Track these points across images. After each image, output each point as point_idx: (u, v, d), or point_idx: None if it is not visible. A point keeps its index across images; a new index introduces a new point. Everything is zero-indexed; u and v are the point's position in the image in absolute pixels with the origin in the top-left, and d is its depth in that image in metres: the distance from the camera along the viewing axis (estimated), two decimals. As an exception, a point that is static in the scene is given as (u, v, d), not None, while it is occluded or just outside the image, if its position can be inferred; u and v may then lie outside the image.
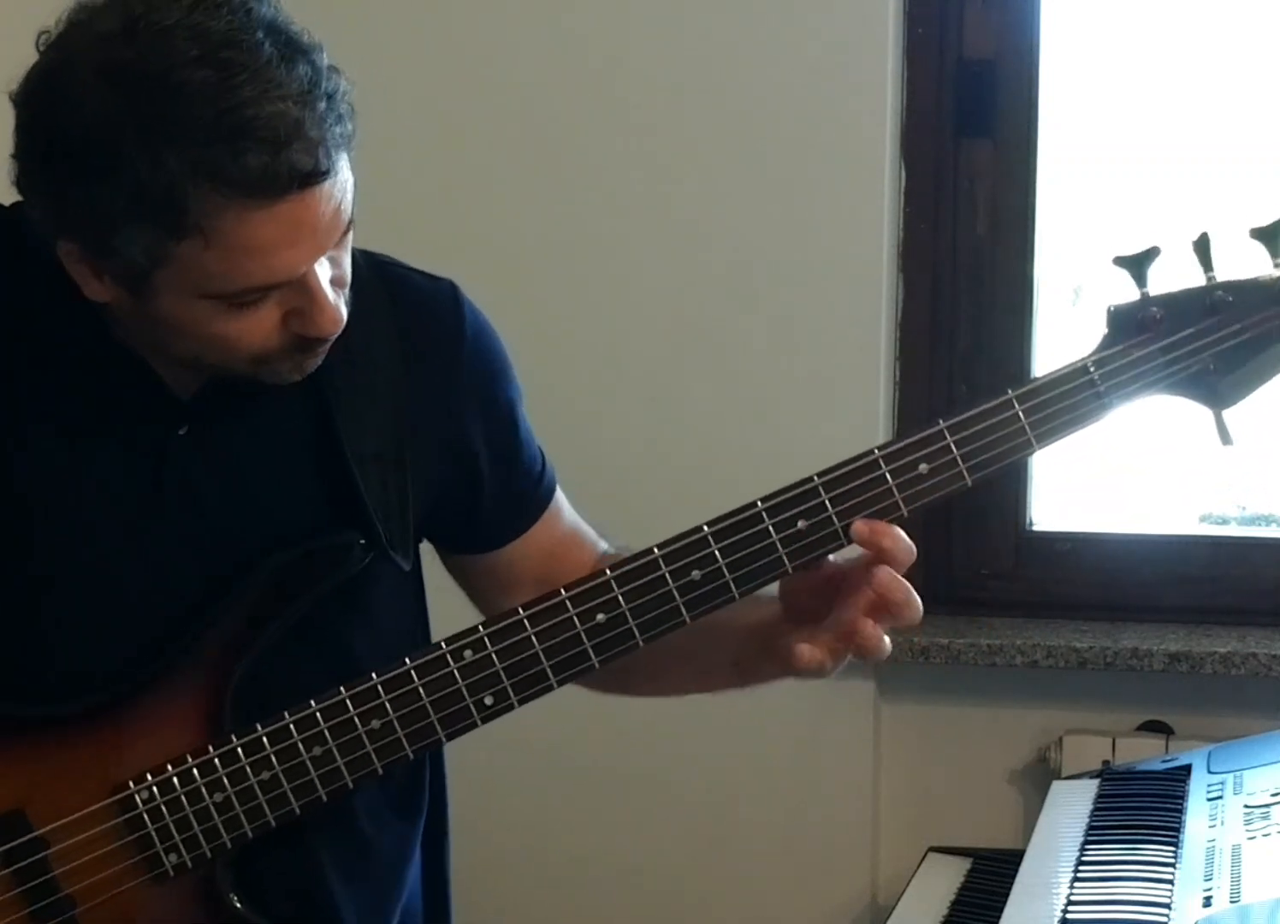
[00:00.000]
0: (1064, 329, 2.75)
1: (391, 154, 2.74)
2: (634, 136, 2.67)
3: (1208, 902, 1.71)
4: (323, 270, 1.39)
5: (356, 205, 1.39)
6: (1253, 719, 2.44)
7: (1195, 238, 1.45)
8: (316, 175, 1.33)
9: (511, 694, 1.45)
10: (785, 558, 1.44)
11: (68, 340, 1.48)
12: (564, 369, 2.70)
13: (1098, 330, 1.46)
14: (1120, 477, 2.78)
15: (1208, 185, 2.66)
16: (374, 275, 1.57)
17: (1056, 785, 2.37)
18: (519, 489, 1.65)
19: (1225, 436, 1.46)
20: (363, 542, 1.49)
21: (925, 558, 2.68)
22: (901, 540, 1.45)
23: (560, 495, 1.69)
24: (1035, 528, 2.72)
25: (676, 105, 2.66)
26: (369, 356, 1.54)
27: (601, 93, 2.67)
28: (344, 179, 1.36)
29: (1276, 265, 1.44)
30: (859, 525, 1.44)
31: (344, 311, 1.41)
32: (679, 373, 2.68)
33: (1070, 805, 2.20)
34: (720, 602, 1.45)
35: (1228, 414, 1.46)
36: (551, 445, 2.69)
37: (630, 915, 2.75)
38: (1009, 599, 2.71)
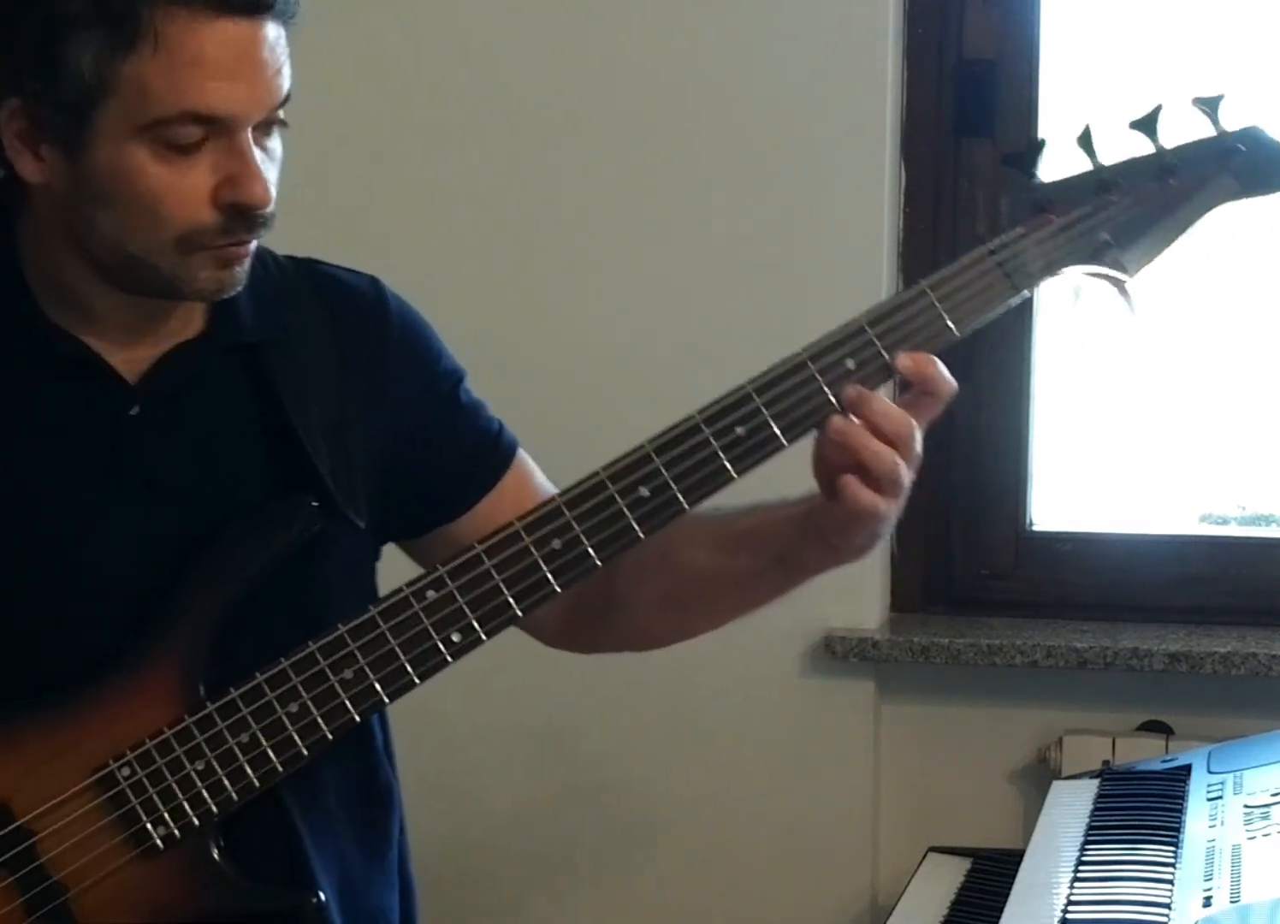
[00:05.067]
0: (1064, 329, 2.75)
1: (391, 154, 2.74)
2: (634, 136, 2.67)
3: (1208, 902, 1.71)
4: (254, 146, 1.44)
5: (292, 95, 1.46)
6: (1253, 719, 2.44)
7: (1079, 133, 1.53)
8: (263, 5, 1.41)
9: (478, 628, 1.48)
10: (729, 464, 1.48)
11: (10, 337, 1.53)
12: (564, 368, 2.70)
13: (998, 218, 1.55)
14: (1120, 477, 2.78)
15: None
16: (299, 273, 1.64)
17: (1056, 785, 2.37)
18: (472, 451, 1.68)
19: (1131, 307, 1.54)
20: (315, 503, 1.52)
21: (925, 558, 2.72)
22: (931, 366, 1.51)
23: (528, 461, 1.73)
24: (1035, 528, 2.73)
25: (676, 105, 2.66)
26: (304, 344, 1.59)
27: (601, 92, 2.67)
28: (284, 44, 1.44)
29: (1155, 144, 1.53)
30: (848, 392, 1.49)
31: (273, 191, 1.46)
32: (679, 372, 2.67)
33: (1070, 805, 2.20)
34: (671, 514, 1.48)
35: (1131, 285, 1.53)
36: (551, 444, 2.70)
37: (630, 916, 2.75)
38: (1009, 599, 2.71)
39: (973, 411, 2.68)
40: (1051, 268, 1.51)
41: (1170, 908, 1.75)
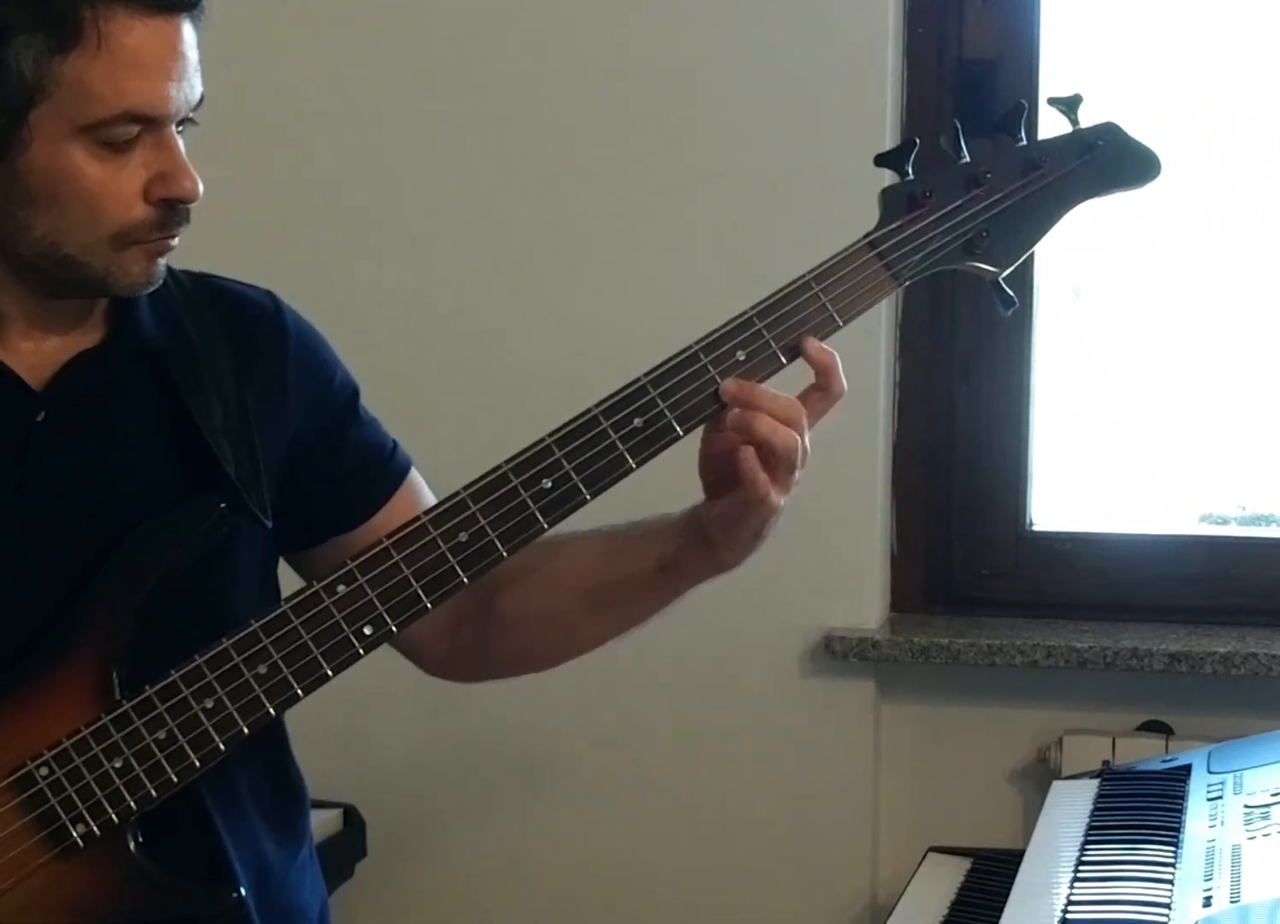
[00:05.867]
0: (1064, 329, 2.75)
1: (392, 152, 2.74)
2: (634, 136, 2.67)
3: (1208, 902, 1.71)
4: (178, 143, 1.49)
5: (203, 103, 1.50)
6: (1253, 719, 2.44)
7: (944, 133, 1.59)
8: (189, 3, 1.46)
9: (388, 620, 1.50)
10: (627, 454, 1.52)
11: None
12: (563, 368, 2.70)
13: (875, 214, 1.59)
14: (1120, 477, 2.78)
15: (1208, 185, 2.66)
16: (197, 287, 1.66)
17: (1056, 785, 2.37)
18: (367, 464, 1.70)
19: (1006, 302, 1.58)
20: (223, 505, 1.54)
21: (925, 558, 2.72)
22: (833, 359, 1.55)
23: (420, 482, 1.74)
24: (1035, 528, 2.73)
25: (676, 105, 2.66)
26: (205, 352, 1.61)
27: (601, 92, 2.67)
28: (196, 46, 1.49)
29: (1019, 141, 1.59)
30: (728, 384, 1.53)
31: (200, 184, 1.49)
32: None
33: (1070, 805, 2.21)
34: (574, 505, 1.51)
35: (1005, 279, 1.57)
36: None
37: (630, 916, 2.75)
38: (1009, 599, 2.71)
39: (973, 412, 2.68)
40: (929, 259, 1.56)
41: (1170, 908, 1.75)
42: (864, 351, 2.63)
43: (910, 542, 2.71)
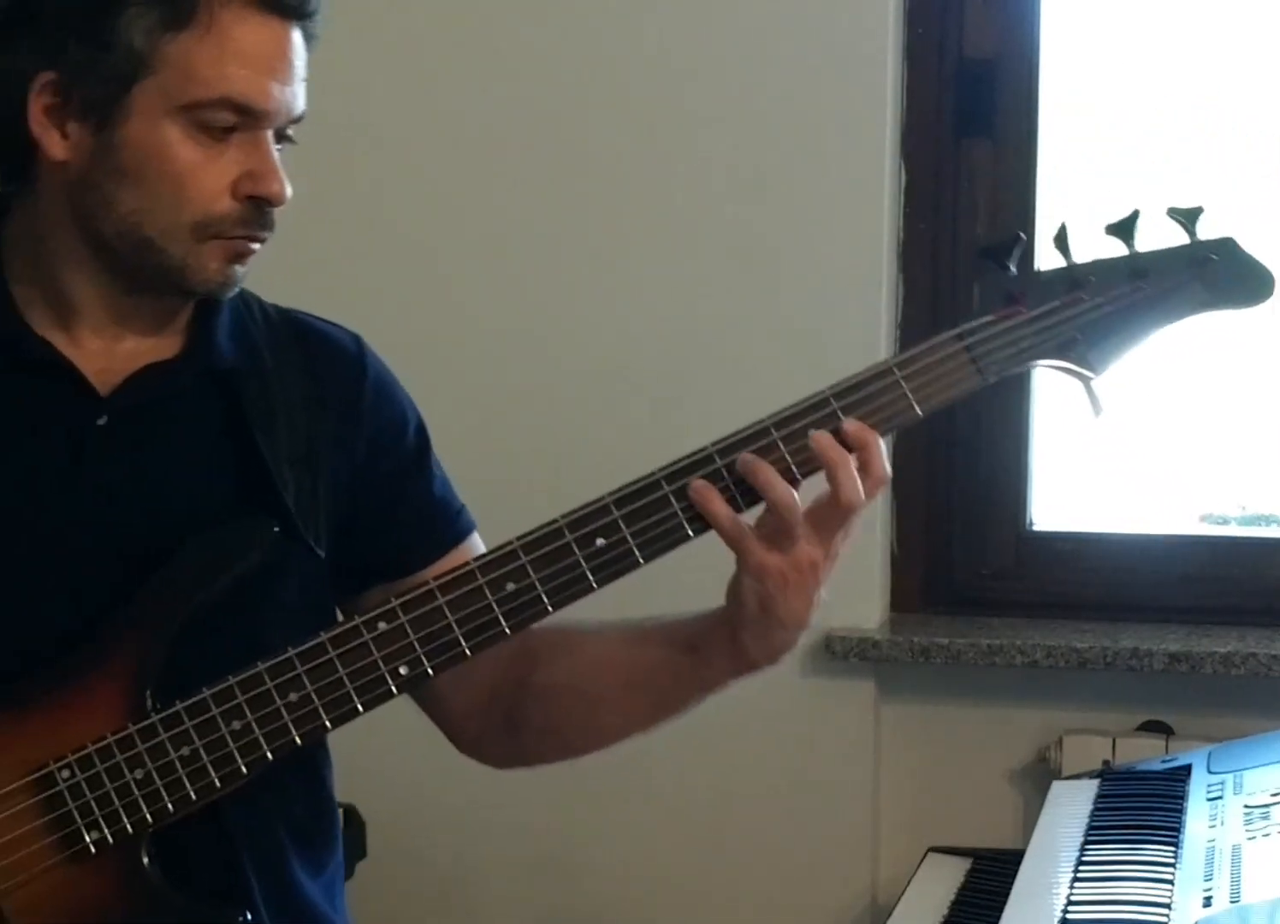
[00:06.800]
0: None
1: (394, 152, 2.74)
2: (634, 136, 2.67)
3: (1208, 902, 1.71)
4: (273, 147, 1.50)
5: (303, 120, 1.53)
6: (1253, 719, 2.44)
7: (1055, 232, 1.56)
8: (305, 10, 1.49)
9: (425, 662, 1.49)
10: (686, 523, 1.48)
11: None
12: (563, 369, 2.70)
13: (969, 304, 1.56)
14: (1120, 477, 2.78)
15: (1208, 184, 2.66)
16: (284, 320, 1.66)
17: (1056, 785, 2.37)
18: (430, 516, 1.68)
19: (1096, 406, 1.55)
20: (277, 528, 1.53)
21: (925, 558, 2.72)
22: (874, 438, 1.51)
23: (479, 545, 1.70)
24: (1035, 528, 2.73)
25: (676, 105, 2.66)
26: (280, 381, 1.60)
27: (601, 92, 2.67)
28: (305, 64, 1.51)
29: (1129, 247, 1.55)
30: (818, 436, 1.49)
31: (289, 189, 1.50)
32: (679, 372, 2.68)
33: (1070, 805, 2.21)
34: (626, 566, 1.49)
35: (1097, 384, 1.55)
36: (550, 446, 2.71)
37: (630, 916, 2.75)
38: (1009, 599, 2.71)
39: (972, 412, 2.68)
40: (1019, 358, 1.53)
41: (1170, 908, 1.75)
42: (864, 351, 2.63)
43: (910, 542, 2.71)
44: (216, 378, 1.58)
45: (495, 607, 1.48)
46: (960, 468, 2.71)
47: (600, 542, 1.48)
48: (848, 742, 2.67)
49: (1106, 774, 2.35)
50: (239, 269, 1.53)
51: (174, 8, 1.45)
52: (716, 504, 1.47)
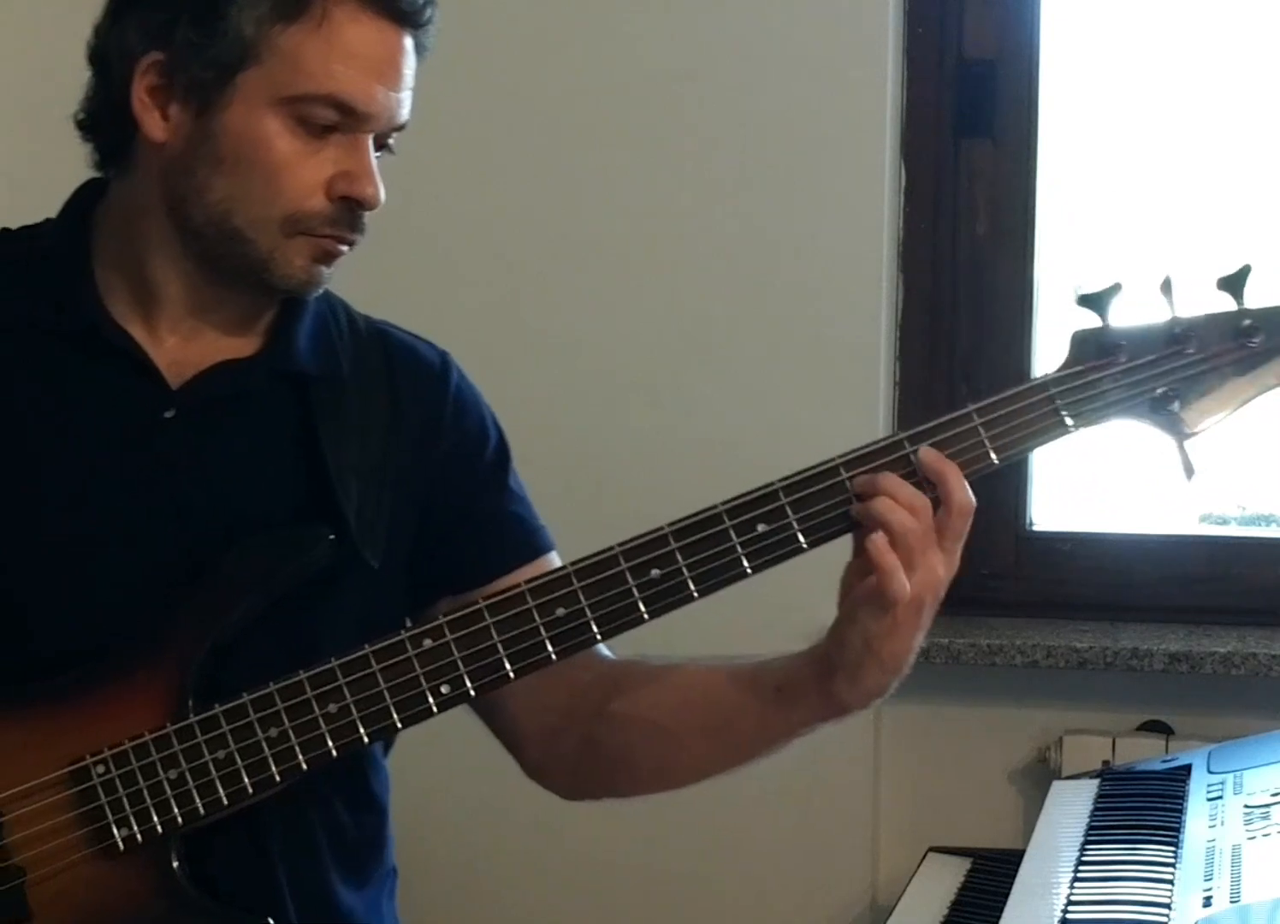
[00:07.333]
0: (1064, 329, 2.75)
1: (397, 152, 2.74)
2: (634, 136, 2.67)
3: (1208, 902, 1.71)
4: (372, 152, 1.50)
5: (405, 130, 1.53)
6: (1253, 719, 2.44)
7: (1160, 281, 1.48)
8: (419, 20, 1.49)
9: (468, 682, 1.47)
10: (745, 559, 1.46)
11: (62, 319, 1.53)
12: (563, 370, 2.70)
13: (1061, 353, 1.49)
14: (1120, 477, 2.78)
15: (1208, 185, 2.66)
16: (371, 331, 1.65)
17: (1056, 785, 2.37)
18: (495, 532, 1.66)
19: (1188, 468, 1.49)
20: (332, 536, 1.51)
21: (925, 558, 2.71)
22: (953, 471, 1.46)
23: (555, 565, 1.66)
24: (1035, 528, 2.72)
25: (676, 105, 2.66)
26: (358, 391, 1.59)
27: (601, 93, 2.67)
28: (414, 73, 1.51)
29: (1238, 304, 1.47)
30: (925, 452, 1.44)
31: (383, 194, 1.51)
32: (678, 372, 2.68)
33: (1070, 805, 2.21)
34: (678, 600, 1.46)
35: (1189, 445, 1.48)
36: (550, 446, 2.71)
37: (630, 916, 2.75)
38: (1009, 599, 2.71)
39: (973, 411, 2.67)
40: (1106, 411, 1.47)
41: (1170, 908, 1.75)
42: (864, 351, 2.64)
43: (910, 542, 2.71)
44: (291, 381, 1.57)
45: (543, 630, 1.46)
46: (960, 468, 2.70)
47: (655, 572, 1.45)
48: (847, 742, 2.66)
49: (1106, 774, 2.35)
50: (324, 269, 1.52)
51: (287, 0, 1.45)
52: (906, 492, 1.43)
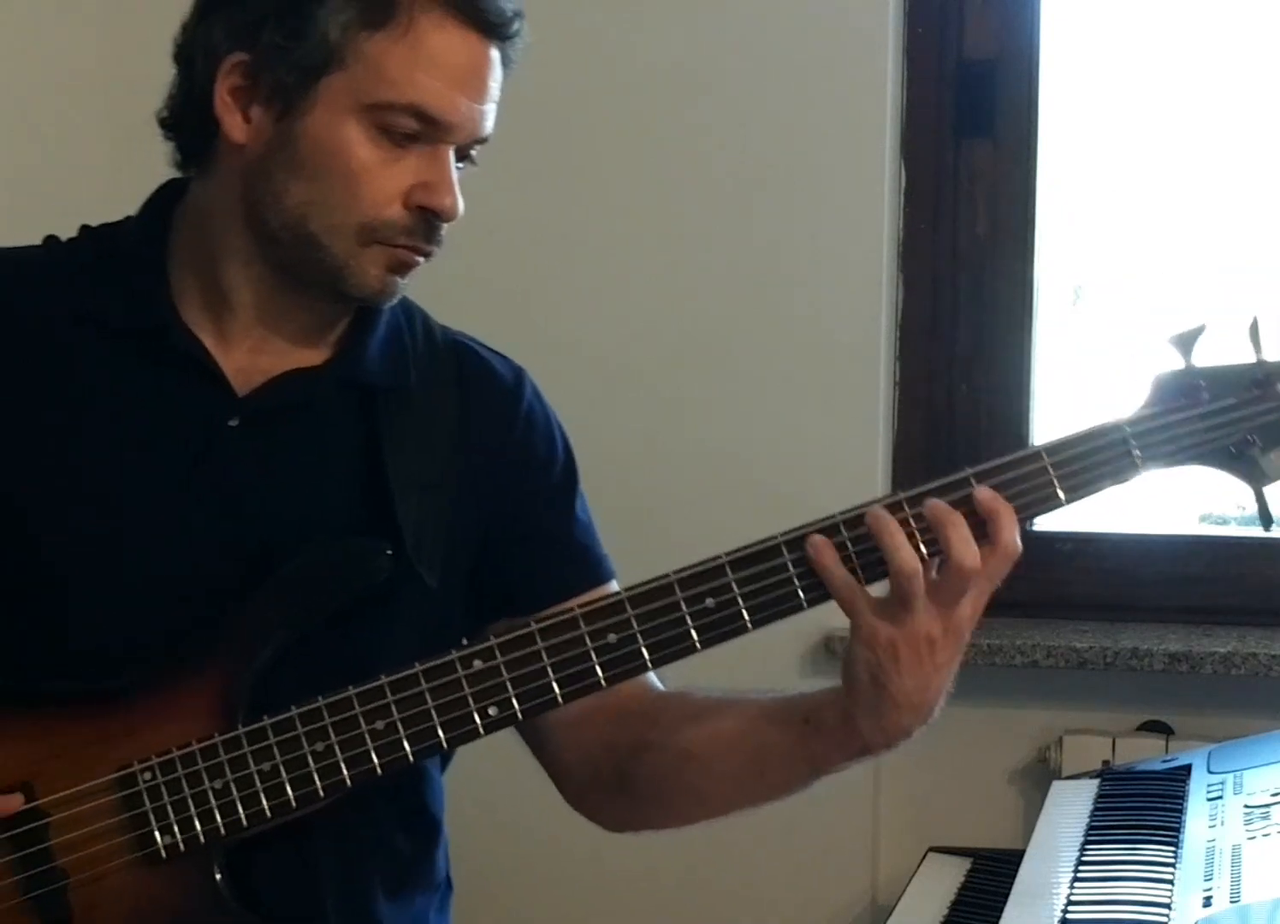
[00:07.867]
0: (1064, 329, 2.75)
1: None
2: (634, 137, 2.67)
3: (1208, 902, 1.71)
4: (453, 163, 1.49)
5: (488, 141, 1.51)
6: (1253, 719, 2.44)
7: (1249, 323, 1.45)
8: (506, 32, 1.48)
9: (515, 705, 1.45)
10: (801, 591, 1.44)
11: (133, 320, 1.52)
12: (563, 370, 2.69)
13: (1141, 395, 1.46)
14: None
15: (1208, 185, 2.67)
16: (448, 344, 1.64)
17: (1056, 785, 2.37)
18: (557, 556, 1.63)
19: (1266, 517, 1.46)
20: (390, 552, 1.49)
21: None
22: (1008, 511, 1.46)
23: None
24: (1035, 528, 2.72)
25: (676, 105, 2.66)
26: (426, 404, 1.58)
27: (601, 93, 2.68)
28: (500, 86, 1.50)
29: None
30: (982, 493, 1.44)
31: (461, 206, 1.50)
32: (679, 373, 2.68)
33: (1070, 805, 2.21)
34: (733, 630, 1.44)
35: (1269, 491, 1.45)
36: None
37: (630, 915, 2.75)
38: (1009, 599, 2.69)
39: (972, 412, 2.67)
40: (1181, 454, 1.44)
41: (1170, 908, 1.75)
42: (864, 351, 2.64)
43: (910, 542, 2.71)
44: (358, 391, 1.56)
45: (594, 655, 1.44)
46: (960, 468, 2.70)
47: (710, 602, 1.43)
48: (848, 742, 2.66)
49: (1106, 774, 2.35)
50: (399, 280, 1.50)
51: (374, 5, 1.43)
52: (829, 559, 1.41)
